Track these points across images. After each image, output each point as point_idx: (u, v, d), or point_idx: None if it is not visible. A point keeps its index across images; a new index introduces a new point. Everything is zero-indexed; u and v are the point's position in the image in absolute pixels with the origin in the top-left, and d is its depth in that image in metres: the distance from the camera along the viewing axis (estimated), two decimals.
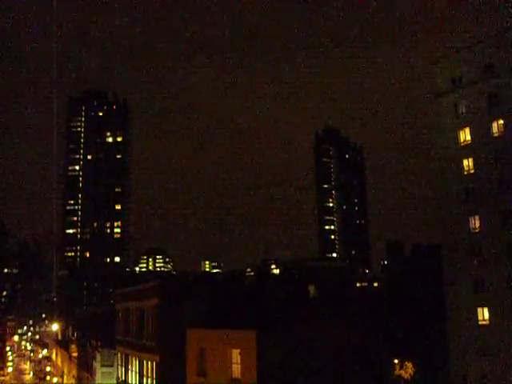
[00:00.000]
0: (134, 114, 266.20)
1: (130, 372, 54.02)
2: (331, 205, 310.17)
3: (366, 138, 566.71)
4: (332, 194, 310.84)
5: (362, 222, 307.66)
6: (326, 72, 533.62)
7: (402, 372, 76.30)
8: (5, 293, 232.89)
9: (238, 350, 36.42)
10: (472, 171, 64.10)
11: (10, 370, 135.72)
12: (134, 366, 52.22)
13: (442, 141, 67.56)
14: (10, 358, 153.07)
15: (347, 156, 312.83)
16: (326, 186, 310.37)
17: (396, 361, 75.25)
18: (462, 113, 65.73)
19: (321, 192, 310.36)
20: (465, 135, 65.30)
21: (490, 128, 62.71)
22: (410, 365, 76.83)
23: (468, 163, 64.67)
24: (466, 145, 64.91)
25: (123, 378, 56.33)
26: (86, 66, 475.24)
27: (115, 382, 60.83)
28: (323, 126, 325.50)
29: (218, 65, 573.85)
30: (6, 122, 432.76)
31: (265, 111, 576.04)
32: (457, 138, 65.89)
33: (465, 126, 65.24)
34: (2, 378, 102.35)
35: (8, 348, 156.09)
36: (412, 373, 76.43)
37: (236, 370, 36.59)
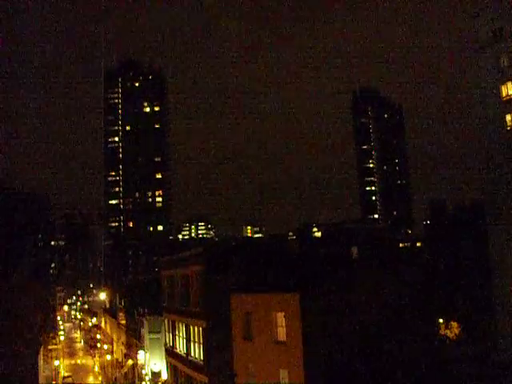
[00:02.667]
0: (169, 83, 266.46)
1: (177, 338, 55.00)
2: (371, 166, 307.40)
3: (405, 97, 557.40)
4: (372, 155, 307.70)
5: (403, 182, 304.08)
6: (364, 30, 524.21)
7: (448, 332, 75.93)
8: (53, 265, 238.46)
9: (283, 313, 36.67)
10: None
11: (62, 338, 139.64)
12: (181, 331, 53.10)
13: (483, 96, 65.97)
14: (62, 328, 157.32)
15: (386, 116, 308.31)
16: (365, 146, 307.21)
17: (441, 320, 74.89)
18: (505, 66, 63.89)
19: (360, 153, 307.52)
20: (507, 89, 63.60)
21: None
22: (455, 324, 76.39)
23: (511, 118, 63.10)
24: (509, 99, 63.24)
25: (171, 344, 57.40)
26: (119, 37, 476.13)
27: (163, 347, 62.06)
28: (361, 85, 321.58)
29: (250, 29, 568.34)
30: (46, 98, 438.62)
31: (301, 73, 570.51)
32: (499, 92, 64.22)
33: (507, 80, 63.48)
34: (55, 346, 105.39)
35: (59, 317, 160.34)
36: (457, 332, 76.02)
37: (281, 332, 36.90)
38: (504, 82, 63.70)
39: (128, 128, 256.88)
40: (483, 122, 65.79)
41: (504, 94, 63.77)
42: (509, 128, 63.12)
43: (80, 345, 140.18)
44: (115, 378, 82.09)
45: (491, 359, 39.19)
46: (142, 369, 73.39)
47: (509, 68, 63.22)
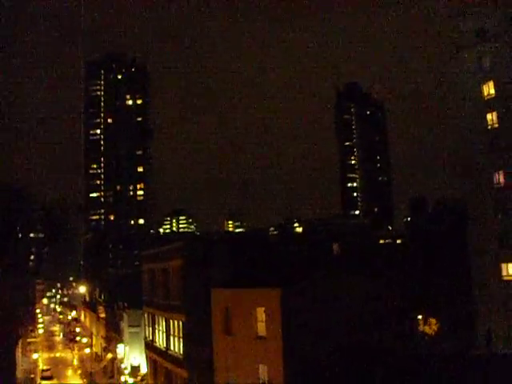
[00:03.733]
0: (153, 76, 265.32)
1: (157, 331, 54.95)
2: (353, 162, 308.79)
3: (388, 94, 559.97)
4: (354, 152, 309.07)
5: (385, 178, 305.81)
6: (348, 26, 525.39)
7: (426, 328, 76.45)
8: (32, 257, 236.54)
9: (263, 308, 36.77)
10: (496, 125, 63.03)
11: (41, 331, 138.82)
12: (161, 325, 53.06)
13: (465, 95, 66.44)
14: (41, 321, 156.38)
15: (368, 112, 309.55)
16: (347, 143, 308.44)
17: (420, 317, 75.36)
18: (486, 66, 64.33)
19: (342, 149, 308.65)
20: (488, 89, 64.06)
21: None
22: (433, 321, 76.88)
23: (492, 117, 63.57)
24: (490, 99, 63.72)
25: (151, 338, 57.34)
26: (102, 29, 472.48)
27: (143, 341, 61.97)
28: (344, 81, 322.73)
29: (235, 24, 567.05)
30: (27, 88, 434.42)
31: (284, 67, 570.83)
32: (480, 91, 64.70)
33: (489, 80, 63.94)
34: (34, 339, 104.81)
35: (38, 310, 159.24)
36: (436, 329, 76.57)
37: (261, 327, 37.00)
38: (485, 82, 64.17)
39: (110, 121, 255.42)
40: (465, 120, 66.27)
41: (485, 94, 64.25)
42: (489, 127, 63.65)
43: (59, 338, 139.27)
44: (90, 373, 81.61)
45: (468, 355, 39.58)
46: (121, 363, 73.31)
47: (491, 68, 63.68)
